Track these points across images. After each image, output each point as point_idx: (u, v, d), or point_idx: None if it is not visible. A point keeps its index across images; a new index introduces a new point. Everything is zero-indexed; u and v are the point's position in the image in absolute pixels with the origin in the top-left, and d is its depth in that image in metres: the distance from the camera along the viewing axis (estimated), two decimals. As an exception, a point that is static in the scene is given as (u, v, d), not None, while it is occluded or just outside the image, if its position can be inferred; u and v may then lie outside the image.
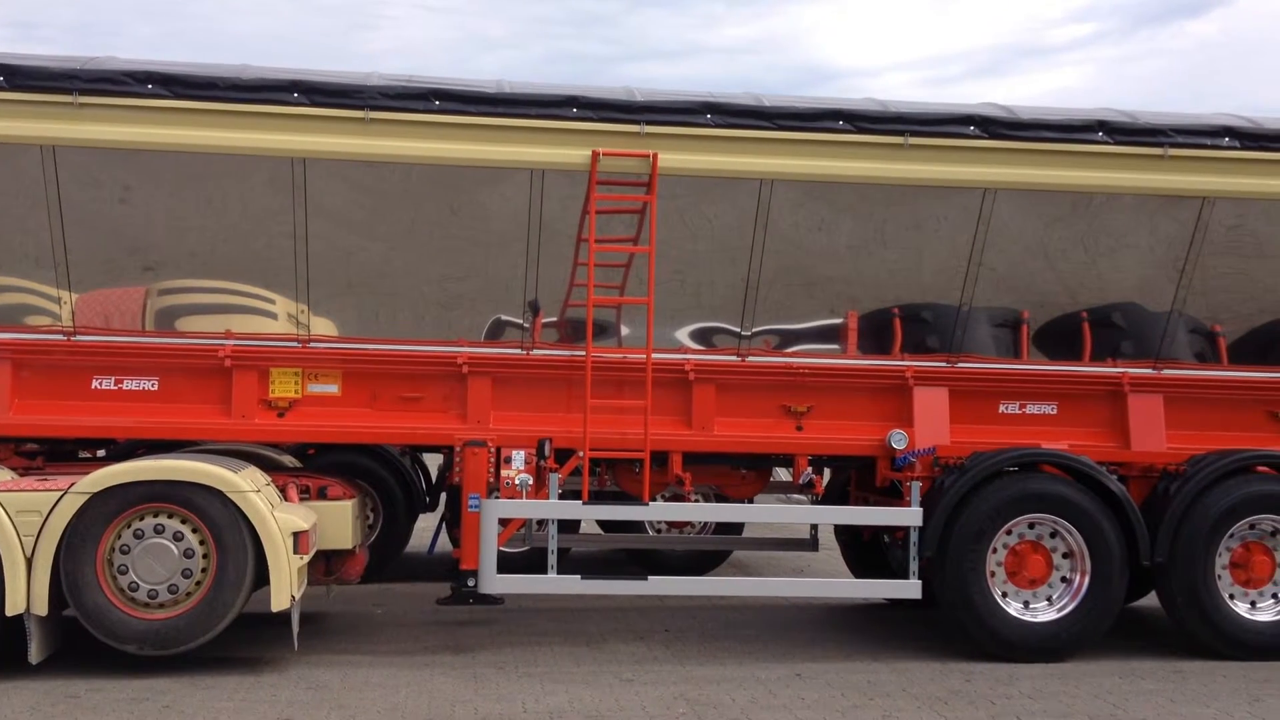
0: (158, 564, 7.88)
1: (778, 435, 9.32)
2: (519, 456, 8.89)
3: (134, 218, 8.57)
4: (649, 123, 8.71)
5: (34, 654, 7.69)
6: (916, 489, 8.91)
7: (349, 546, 8.76)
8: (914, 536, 8.85)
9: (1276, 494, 9.06)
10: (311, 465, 10.14)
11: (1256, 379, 9.64)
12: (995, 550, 8.86)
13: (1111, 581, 8.84)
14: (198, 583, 7.94)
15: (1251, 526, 9.09)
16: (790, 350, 9.32)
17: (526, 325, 9.03)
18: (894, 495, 9.40)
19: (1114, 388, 9.50)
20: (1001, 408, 9.47)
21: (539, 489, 8.87)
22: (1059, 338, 9.49)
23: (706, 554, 11.93)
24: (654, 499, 9.29)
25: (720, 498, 10.44)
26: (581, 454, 8.88)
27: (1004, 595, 8.87)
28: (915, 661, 8.77)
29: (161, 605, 7.89)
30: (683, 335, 9.22)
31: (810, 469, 9.81)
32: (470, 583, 8.72)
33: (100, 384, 8.76)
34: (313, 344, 8.88)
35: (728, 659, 8.77)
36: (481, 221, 8.81)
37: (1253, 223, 9.27)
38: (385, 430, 9.17)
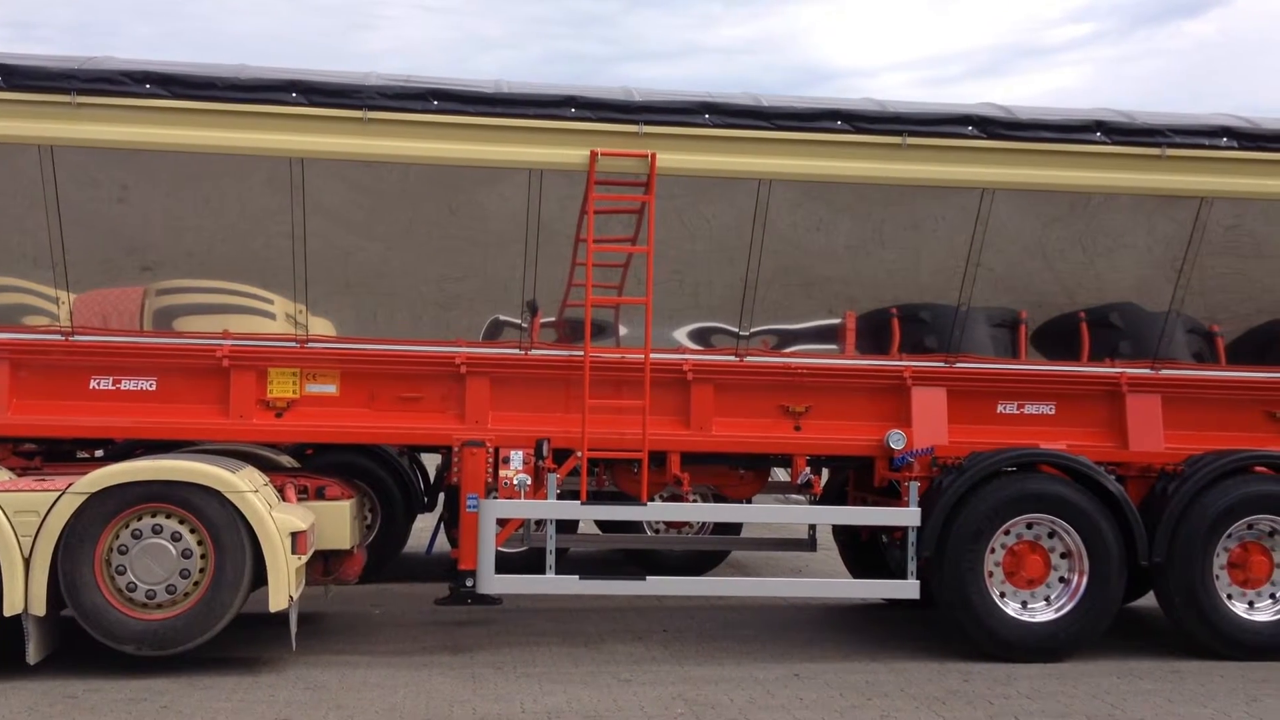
0: (156, 564, 7.88)
1: (776, 435, 9.32)
2: (517, 456, 8.89)
3: (132, 218, 8.57)
4: (647, 123, 8.71)
5: (32, 654, 7.69)
6: (914, 489, 8.91)
7: (347, 547, 8.75)
8: (912, 536, 8.85)
9: (1274, 494, 9.06)
10: (309, 465, 10.13)
11: (1254, 379, 9.65)
12: (993, 550, 8.86)
13: (1109, 581, 8.84)
14: (195, 583, 7.93)
15: (1249, 527, 9.10)
16: (788, 350, 9.32)
17: (525, 325, 9.03)
18: (892, 495, 9.40)
19: (1112, 388, 9.50)
20: (999, 408, 9.47)
21: (537, 489, 8.87)
22: (1057, 338, 9.49)
23: (705, 554, 11.93)
24: (652, 499, 9.28)
25: (718, 498, 10.44)
26: (580, 454, 8.88)
27: (1002, 595, 8.87)
28: (913, 661, 8.77)
29: (159, 605, 7.89)
30: (681, 335, 9.22)
31: (808, 469, 9.81)
32: (468, 583, 8.72)
33: (98, 384, 8.76)
34: (311, 344, 8.88)
35: (726, 659, 8.77)
36: (480, 221, 8.80)
37: (1250, 223, 9.27)
38: (383, 430, 9.16)
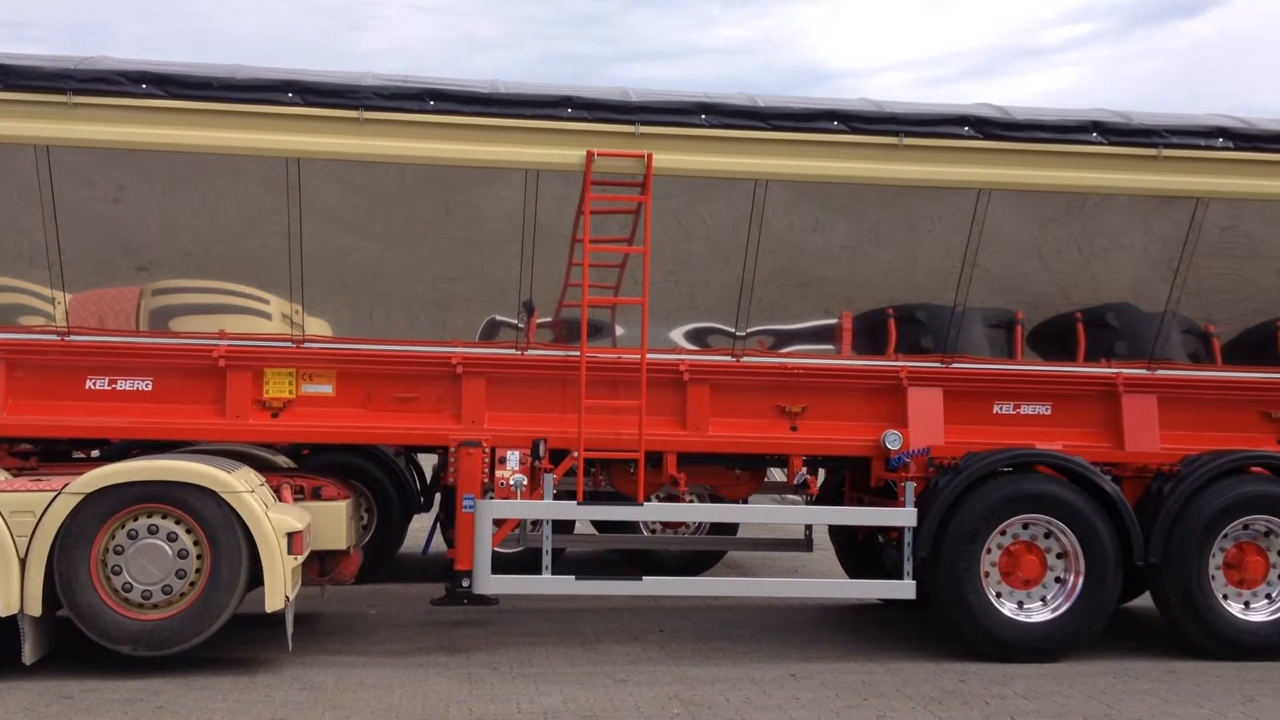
0: (152, 564, 7.87)
1: (772, 436, 9.32)
2: (514, 457, 8.89)
3: (128, 218, 8.56)
4: (644, 123, 8.71)
5: (28, 654, 7.68)
6: (911, 489, 8.92)
7: (343, 547, 8.75)
8: (908, 537, 8.85)
9: (1270, 494, 9.07)
10: (306, 466, 10.12)
11: (1250, 379, 9.66)
12: (989, 550, 8.86)
13: (1105, 582, 8.85)
14: (192, 583, 7.93)
15: (1245, 527, 9.10)
16: (785, 351, 9.32)
17: (521, 325, 9.02)
18: (888, 496, 9.40)
19: (1108, 388, 9.51)
20: (996, 408, 9.48)
21: (533, 489, 8.87)
22: (1053, 338, 9.50)
23: (701, 554, 11.93)
24: (649, 499, 9.28)
25: (715, 498, 10.43)
26: (576, 454, 8.88)
27: (998, 595, 8.87)
28: (910, 662, 8.77)
29: (155, 606, 7.88)
30: (677, 335, 9.22)
31: (805, 469, 9.80)
32: (465, 583, 8.72)
33: (94, 384, 8.75)
34: (307, 344, 8.88)
35: (722, 659, 8.77)
36: (476, 221, 8.80)
37: (1246, 223, 9.28)
38: (380, 431, 9.16)
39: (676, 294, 9.06)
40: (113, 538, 7.86)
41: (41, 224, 8.41)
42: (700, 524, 11.78)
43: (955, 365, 9.39)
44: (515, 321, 9.02)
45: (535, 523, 9.26)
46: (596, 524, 11.64)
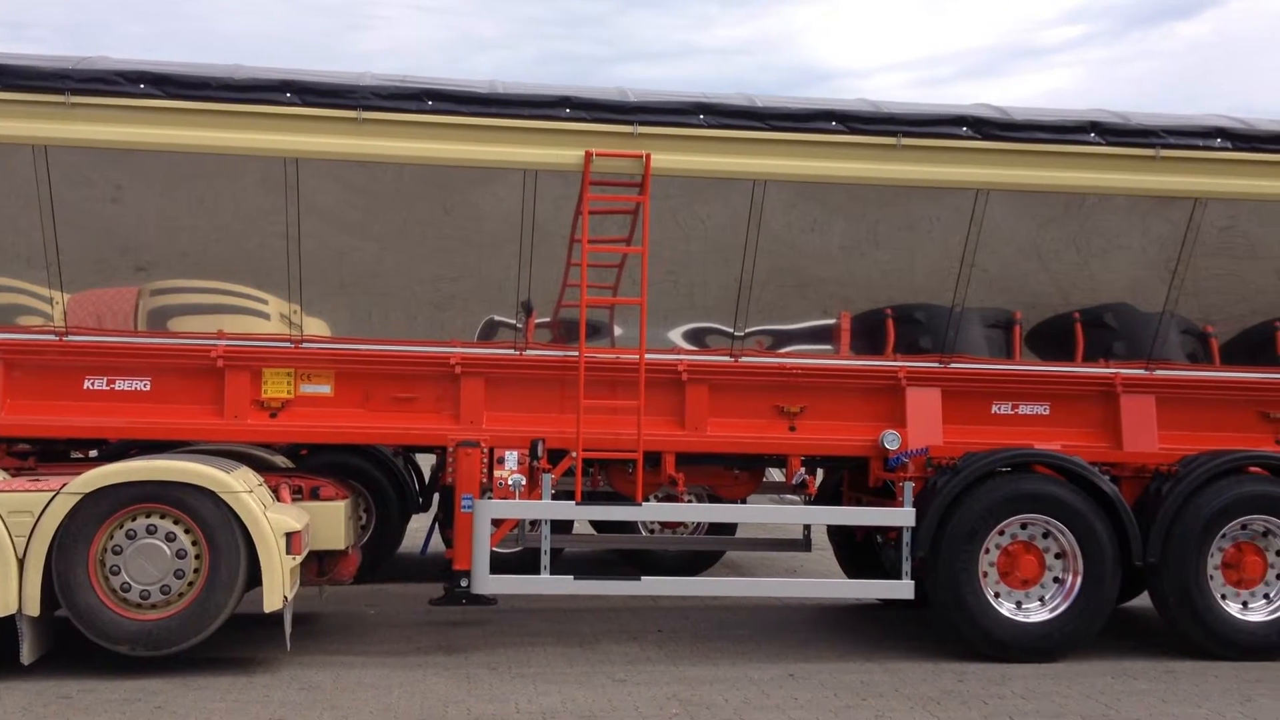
0: (150, 564, 7.87)
1: (771, 436, 9.33)
2: (512, 457, 8.90)
3: (126, 218, 8.56)
4: (642, 123, 8.72)
5: (26, 654, 7.68)
6: (909, 489, 8.92)
7: (342, 547, 8.74)
8: (907, 537, 8.85)
9: (1268, 494, 9.08)
10: (304, 466, 10.12)
11: (1248, 379, 9.66)
12: (988, 550, 8.86)
13: (1104, 582, 8.85)
14: (190, 583, 7.93)
15: (1243, 527, 9.11)
16: (783, 351, 9.32)
17: (520, 326, 9.03)
18: (887, 496, 9.41)
19: (1106, 388, 9.51)
20: (994, 408, 9.49)
21: (532, 489, 8.87)
22: (1051, 338, 9.51)
23: (699, 554, 11.94)
24: (647, 499, 9.29)
25: (713, 498, 10.44)
26: (575, 454, 8.88)
27: (996, 595, 8.88)
28: (908, 662, 8.77)
29: (154, 606, 7.88)
30: (676, 336, 9.23)
31: (803, 469, 9.80)
32: (463, 583, 8.72)
33: (92, 384, 8.75)
34: (305, 344, 8.88)
35: (721, 659, 8.77)
36: (474, 222, 8.80)
37: (1244, 224, 9.29)
38: (378, 431, 9.16)
39: (675, 294, 9.06)
40: (111, 538, 7.86)
41: (39, 224, 8.41)
42: (699, 524, 11.78)
43: (953, 365, 9.39)
44: (514, 322, 9.03)
45: (534, 523, 9.27)
46: (595, 524, 11.65)
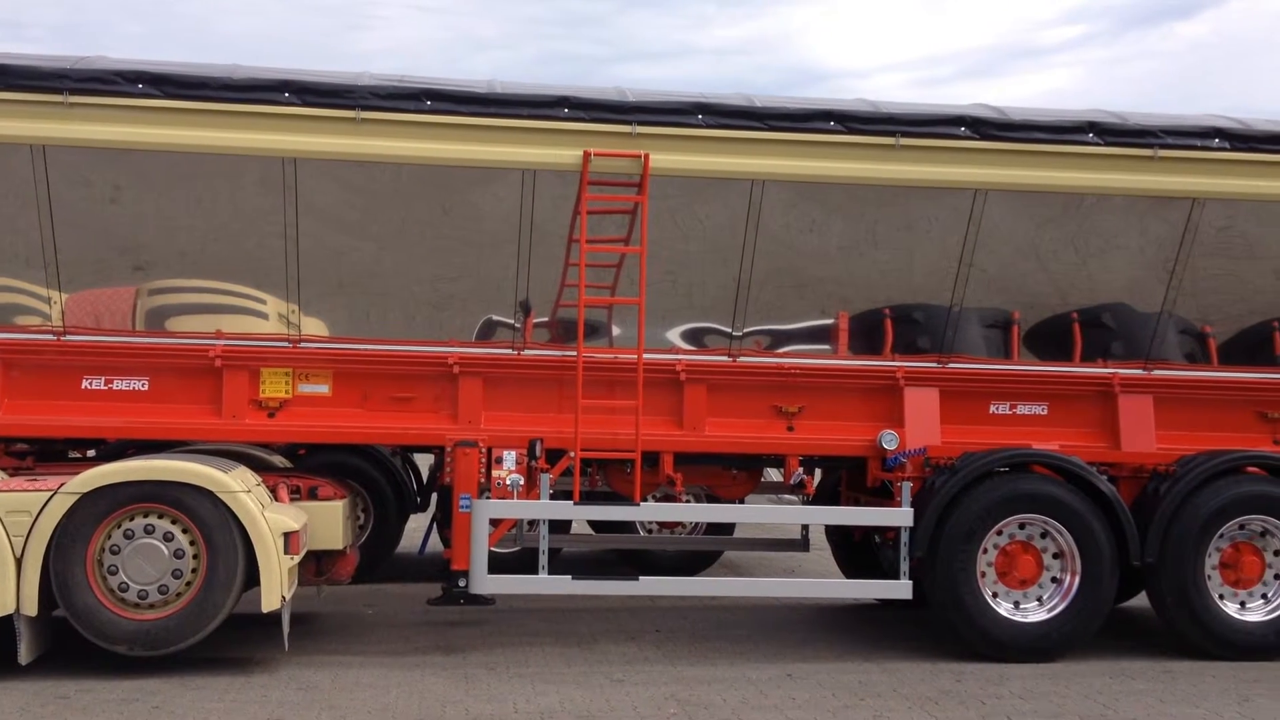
0: (148, 564, 7.87)
1: (769, 435, 9.33)
2: (510, 457, 8.90)
3: (124, 217, 8.56)
4: (640, 123, 8.72)
5: (23, 654, 7.68)
6: (907, 489, 8.92)
7: (340, 547, 8.74)
8: (905, 537, 8.86)
9: (1266, 494, 9.08)
10: (302, 465, 10.12)
11: (1246, 379, 9.67)
12: (986, 550, 8.87)
13: (1102, 582, 8.85)
14: (188, 583, 7.92)
15: (1241, 527, 9.11)
16: (781, 351, 9.32)
17: (518, 325, 9.03)
18: (885, 496, 9.41)
19: (1104, 388, 9.52)
20: (992, 408, 9.49)
21: (530, 489, 8.87)
22: (1049, 338, 9.51)
23: (698, 554, 11.94)
24: (645, 499, 9.29)
25: (711, 498, 10.44)
26: (573, 454, 8.88)
27: (994, 595, 8.88)
28: (906, 662, 8.78)
29: (151, 606, 7.87)
30: (674, 335, 9.23)
31: (801, 469, 9.81)
32: (461, 583, 8.72)
33: (90, 384, 8.75)
34: (303, 344, 8.87)
35: (719, 659, 8.77)
36: (473, 222, 8.80)
37: (1242, 224, 9.29)
38: (376, 430, 9.16)
39: (673, 294, 9.06)
40: (109, 537, 7.85)
41: (38, 224, 8.40)
42: (697, 524, 11.77)
43: (952, 365, 9.40)
44: (512, 321, 9.03)
45: (532, 522, 9.26)
46: (593, 524, 11.64)
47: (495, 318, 9.05)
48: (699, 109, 8.82)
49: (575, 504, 9.05)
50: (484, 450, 8.86)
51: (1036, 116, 9.19)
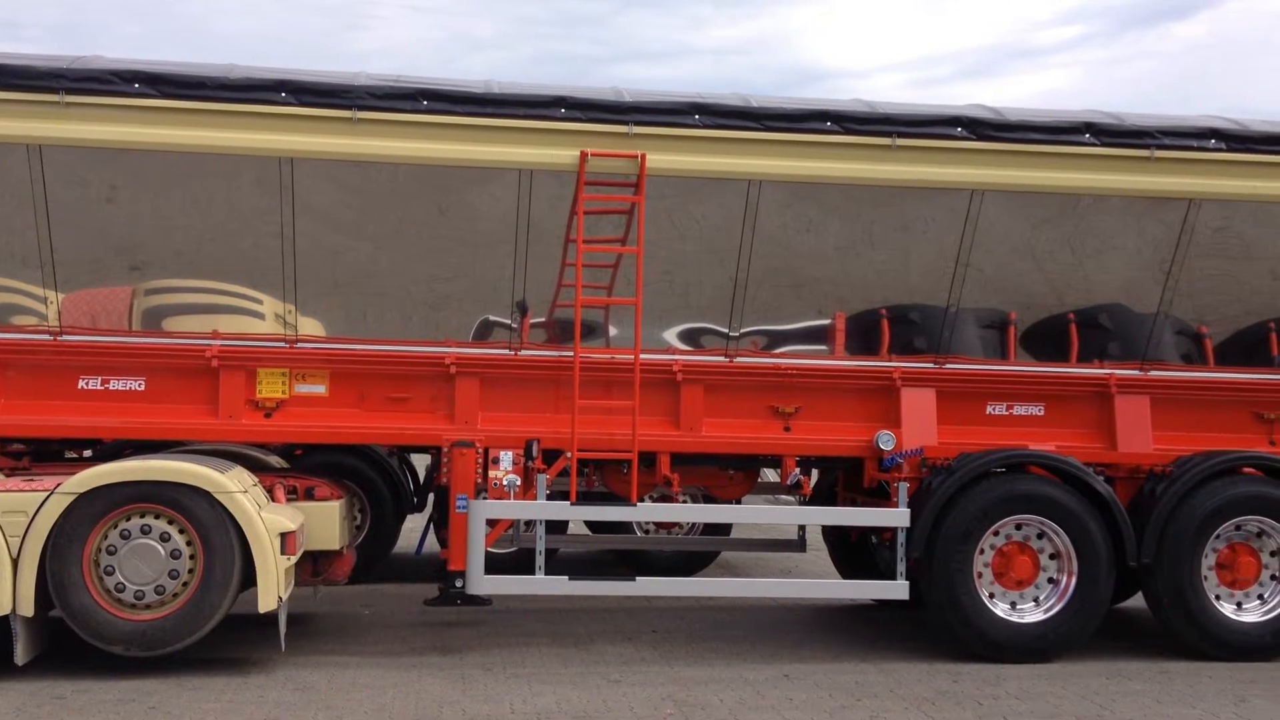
0: (144, 565, 7.86)
1: (765, 436, 9.33)
2: (507, 457, 8.89)
3: (121, 217, 8.55)
4: (637, 123, 8.72)
5: (20, 655, 7.67)
6: (904, 490, 8.92)
7: (336, 547, 8.74)
8: (901, 537, 8.86)
9: (1262, 495, 9.08)
10: (299, 466, 10.11)
11: (1242, 380, 9.67)
12: (982, 551, 8.87)
13: (1098, 582, 8.86)
14: (184, 583, 7.91)
15: (1237, 528, 9.12)
16: (778, 351, 9.32)
17: (514, 325, 9.02)
18: (881, 496, 9.41)
19: (1101, 389, 9.52)
20: (989, 409, 9.49)
21: (527, 490, 8.87)
22: (1046, 339, 9.51)
23: (694, 555, 11.93)
24: (642, 500, 9.28)
25: (708, 498, 10.44)
26: (569, 454, 8.87)
27: (991, 596, 8.88)
28: (903, 662, 8.78)
29: (148, 606, 7.87)
30: (670, 336, 9.23)
31: (798, 470, 9.80)
32: (458, 583, 8.72)
33: (87, 384, 8.74)
34: (300, 344, 8.87)
35: (715, 660, 8.77)
36: (469, 222, 8.80)
37: (1239, 225, 9.30)
38: (373, 431, 9.15)
39: (670, 294, 9.06)
40: (105, 538, 7.85)
41: (34, 224, 8.39)
42: (693, 524, 11.77)
43: (948, 366, 9.40)
44: (509, 322, 9.02)
45: (528, 523, 9.26)
46: (590, 524, 11.64)
47: (492, 318, 9.05)
48: (695, 109, 8.82)
49: (572, 504, 9.05)
50: (481, 450, 8.85)
51: (1033, 117, 9.20)
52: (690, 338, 9.25)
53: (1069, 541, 8.85)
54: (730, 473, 9.84)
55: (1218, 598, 9.08)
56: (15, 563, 7.67)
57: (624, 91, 9.04)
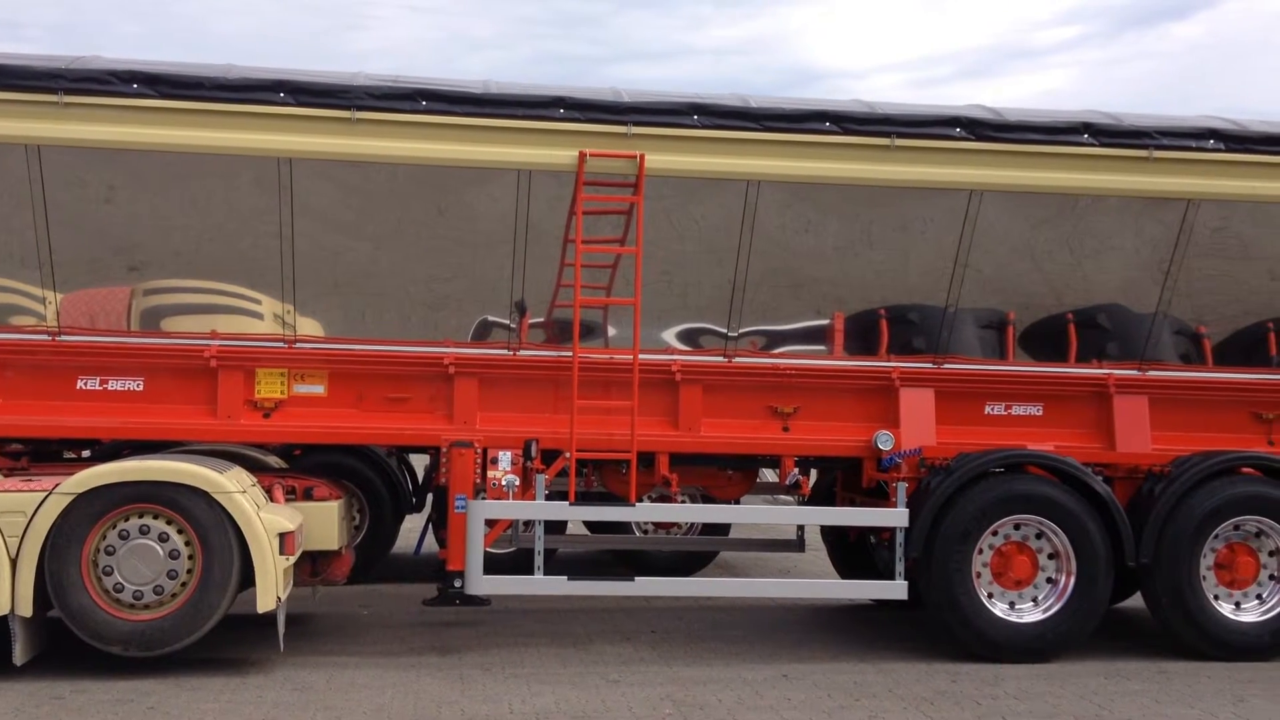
0: (143, 565, 7.86)
1: (764, 436, 9.33)
2: (505, 457, 8.89)
3: (119, 217, 8.55)
4: (636, 123, 8.72)
5: (18, 655, 7.67)
6: (903, 490, 8.93)
7: (335, 547, 8.74)
8: (900, 537, 8.86)
9: (1261, 495, 9.09)
10: (297, 466, 10.11)
11: (1241, 380, 9.67)
12: (981, 551, 8.87)
13: (1097, 582, 8.86)
14: (183, 584, 7.91)
15: (1236, 528, 9.12)
16: (777, 351, 9.32)
17: (513, 326, 9.02)
18: (880, 496, 9.41)
19: (1099, 389, 9.52)
20: (987, 409, 9.49)
21: (525, 490, 8.86)
22: (1044, 339, 9.52)
23: (693, 555, 11.93)
24: (641, 500, 9.28)
25: (707, 499, 10.44)
26: (568, 455, 8.87)
27: (990, 596, 8.88)
28: (901, 662, 8.78)
29: (147, 606, 7.86)
30: (669, 336, 9.23)
31: (796, 470, 9.80)
32: (457, 584, 8.72)
33: (85, 384, 8.74)
34: (299, 344, 8.86)
35: (714, 660, 8.77)
36: (468, 222, 8.80)
37: (1237, 225, 9.30)
38: (372, 431, 9.15)
39: (669, 294, 9.06)
40: (104, 538, 7.84)
41: (32, 224, 8.39)
42: (692, 524, 11.77)
43: (947, 366, 9.40)
44: (507, 322, 9.02)
45: (527, 523, 9.27)
46: (589, 524, 11.64)
47: (491, 318, 9.05)
48: (694, 109, 8.82)
49: (571, 504, 9.06)
50: (479, 451, 8.85)
51: (1031, 117, 9.20)
52: (689, 338, 9.25)
53: (1067, 541, 8.86)
54: (729, 473, 9.83)
55: (1216, 598, 9.08)
56: (14, 563, 7.67)
57: (623, 92, 9.04)
